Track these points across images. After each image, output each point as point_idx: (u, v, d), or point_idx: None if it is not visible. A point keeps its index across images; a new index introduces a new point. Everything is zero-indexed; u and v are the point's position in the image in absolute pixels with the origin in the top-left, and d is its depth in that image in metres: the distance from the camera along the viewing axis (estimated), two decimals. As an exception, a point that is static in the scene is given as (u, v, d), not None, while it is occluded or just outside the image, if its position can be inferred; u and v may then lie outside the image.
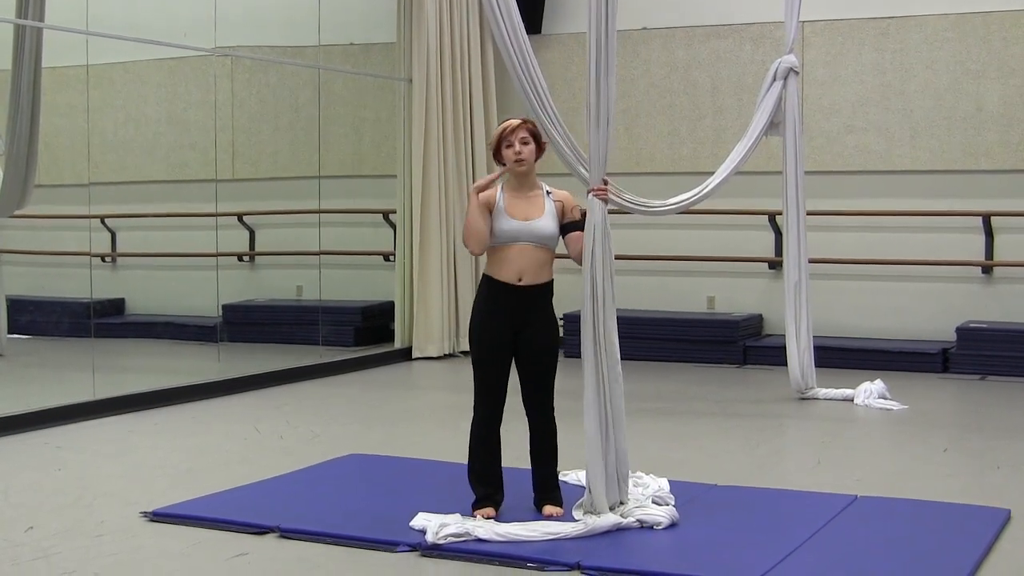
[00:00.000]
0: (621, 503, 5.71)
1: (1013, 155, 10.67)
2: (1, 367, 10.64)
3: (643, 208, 7.74)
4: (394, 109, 11.86)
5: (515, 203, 5.80)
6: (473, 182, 11.58)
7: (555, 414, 5.88)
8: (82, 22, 9.34)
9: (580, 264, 5.78)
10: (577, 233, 5.80)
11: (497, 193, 5.85)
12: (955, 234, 10.89)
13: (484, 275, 5.86)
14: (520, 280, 5.74)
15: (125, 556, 5.35)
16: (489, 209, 5.78)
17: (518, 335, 5.77)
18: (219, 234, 11.11)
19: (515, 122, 5.85)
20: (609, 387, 5.70)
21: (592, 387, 5.68)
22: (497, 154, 5.87)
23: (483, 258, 5.94)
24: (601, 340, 5.70)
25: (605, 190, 5.77)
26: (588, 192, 5.75)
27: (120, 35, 10.02)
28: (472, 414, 5.87)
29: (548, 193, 5.87)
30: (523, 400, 5.85)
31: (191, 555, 5.38)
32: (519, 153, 5.78)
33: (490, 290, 5.80)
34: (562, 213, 5.84)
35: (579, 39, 5.52)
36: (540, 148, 5.86)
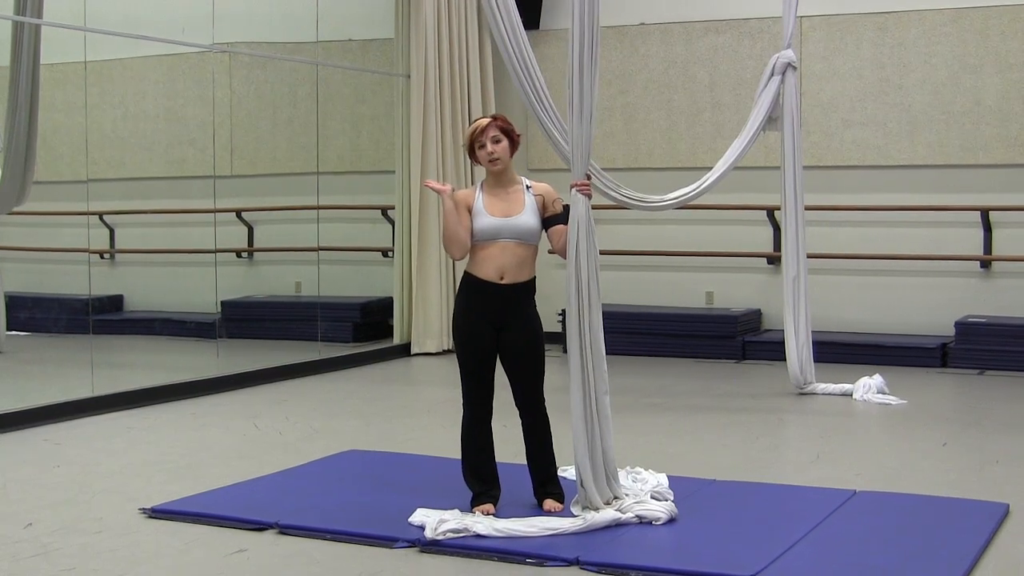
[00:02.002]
0: (616, 498, 5.72)
1: (1011, 150, 10.67)
2: (0, 364, 10.63)
3: (641, 203, 7.76)
4: (392, 105, 11.86)
5: (494, 200, 5.78)
6: (471, 178, 11.60)
7: (550, 410, 5.87)
8: (80, 19, 9.33)
9: (564, 257, 5.78)
10: (560, 227, 5.77)
11: (476, 192, 5.83)
12: (953, 229, 10.89)
13: (465, 273, 5.82)
14: (502, 278, 5.72)
15: (124, 552, 5.36)
16: (468, 209, 5.76)
17: (501, 334, 5.76)
18: (217, 230, 11.11)
19: (484, 121, 5.82)
20: (594, 384, 5.70)
21: (578, 384, 5.67)
22: (472, 155, 5.86)
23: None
24: (586, 336, 5.69)
25: (588, 185, 5.75)
26: (571, 187, 5.73)
27: (118, 31, 10.01)
28: (462, 411, 5.87)
29: (528, 188, 5.84)
30: (513, 398, 5.85)
31: (190, 551, 5.38)
32: (492, 153, 5.76)
33: (471, 288, 5.78)
34: (543, 207, 5.82)
35: (568, 35, 5.53)
36: (514, 143, 5.83)
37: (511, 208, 5.76)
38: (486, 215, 5.73)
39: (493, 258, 5.73)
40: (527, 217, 5.75)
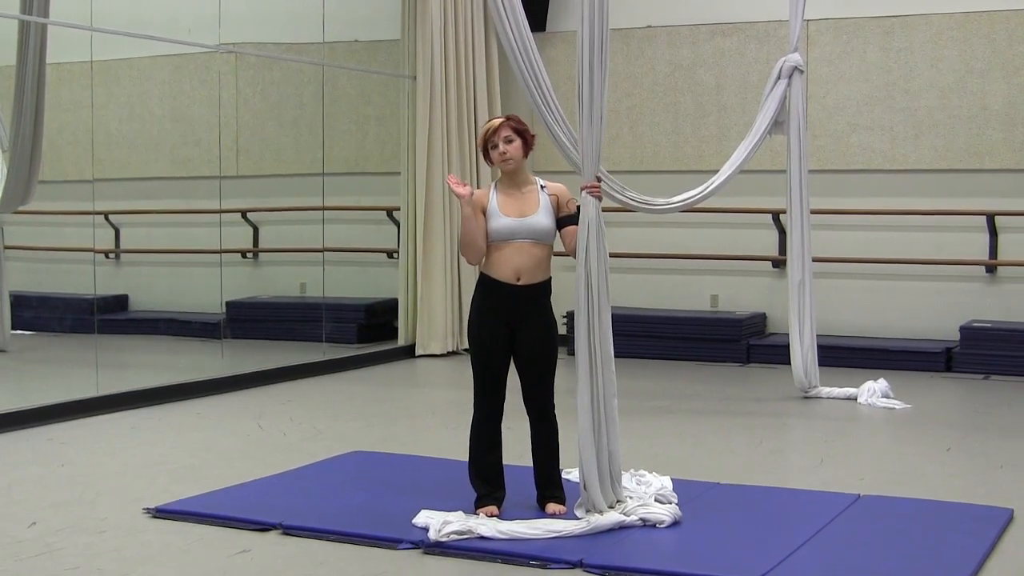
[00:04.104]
0: (619, 501, 5.71)
1: (1017, 154, 10.66)
2: (5, 363, 10.64)
3: (647, 206, 7.75)
4: (398, 106, 11.86)
5: (508, 201, 5.78)
6: (477, 181, 11.60)
7: (556, 412, 5.88)
8: (86, 18, 9.34)
9: (575, 257, 5.76)
10: (573, 227, 5.76)
11: (490, 192, 5.83)
12: (959, 233, 10.88)
13: (481, 274, 5.83)
14: (518, 279, 5.72)
15: (128, 552, 5.36)
16: (483, 210, 5.77)
17: (515, 334, 5.76)
18: (223, 231, 11.12)
19: (497, 122, 5.83)
20: (602, 387, 5.69)
21: (585, 386, 5.67)
22: (486, 155, 5.86)
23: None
24: (596, 339, 5.68)
25: (598, 187, 5.75)
26: (581, 189, 5.73)
27: (124, 31, 10.02)
28: (472, 412, 5.87)
29: (542, 187, 5.85)
30: (523, 399, 5.85)
31: (193, 551, 5.38)
32: (504, 153, 5.76)
33: (487, 289, 5.78)
34: (557, 207, 5.82)
35: (577, 37, 5.57)
36: (527, 143, 5.83)
37: (526, 208, 5.76)
38: (501, 216, 5.73)
39: (509, 259, 5.72)
40: (541, 217, 5.75)
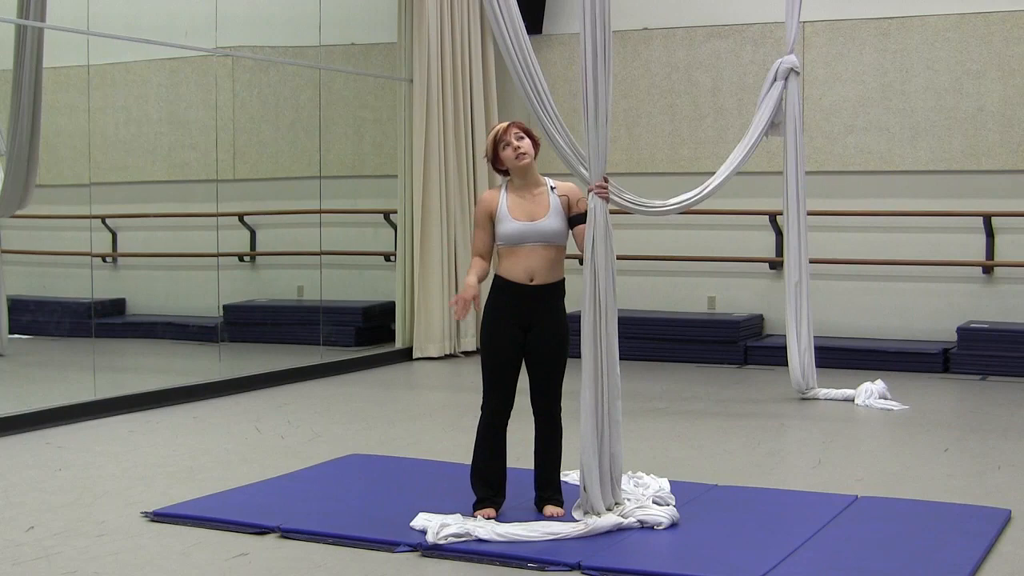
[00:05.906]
0: (616, 504, 5.71)
1: (1014, 155, 10.67)
2: (2, 367, 10.64)
3: (644, 208, 7.75)
4: (395, 109, 11.87)
5: (518, 204, 5.78)
6: (474, 184, 11.63)
7: (561, 415, 5.88)
8: (83, 22, 9.35)
9: None
10: (585, 226, 5.78)
11: (500, 194, 5.84)
12: (956, 234, 10.89)
13: (495, 275, 5.84)
14: (532, 280, 5.73)
15: (126, 556, 5.36)
16: (491, 215, 5.78)
17: (528, 334, 5.77)
18: (220, 234, 11.12)
19: (504, 124, 5.87)
20: (607, 390, 5.70)
21: (590, 389, 5.67)
22: (496, 160, 5.86)
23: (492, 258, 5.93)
24: (601, 342, 5.69)
25: (605, 188, 5.76)
26: (588, 191, 5.74)
27: (121, 35, 10.02)
28: (480, 413, 5.87)
29: (552, 188, 5.85)
30: (531, 399, 5.85)
31: (191, 555, 5.38)
32: (519, 148, 5.78)
33: (501, 290, 5.79)
34: (568, 207, 5.83)
35: (580, 39, 5.61)
36: (535, 145, 5.86)
37: (536, 211, 5.77)
38: (510, 220, 5.74)
39: (522, 261, 5.73)
40: (552, 220, 5.76)
